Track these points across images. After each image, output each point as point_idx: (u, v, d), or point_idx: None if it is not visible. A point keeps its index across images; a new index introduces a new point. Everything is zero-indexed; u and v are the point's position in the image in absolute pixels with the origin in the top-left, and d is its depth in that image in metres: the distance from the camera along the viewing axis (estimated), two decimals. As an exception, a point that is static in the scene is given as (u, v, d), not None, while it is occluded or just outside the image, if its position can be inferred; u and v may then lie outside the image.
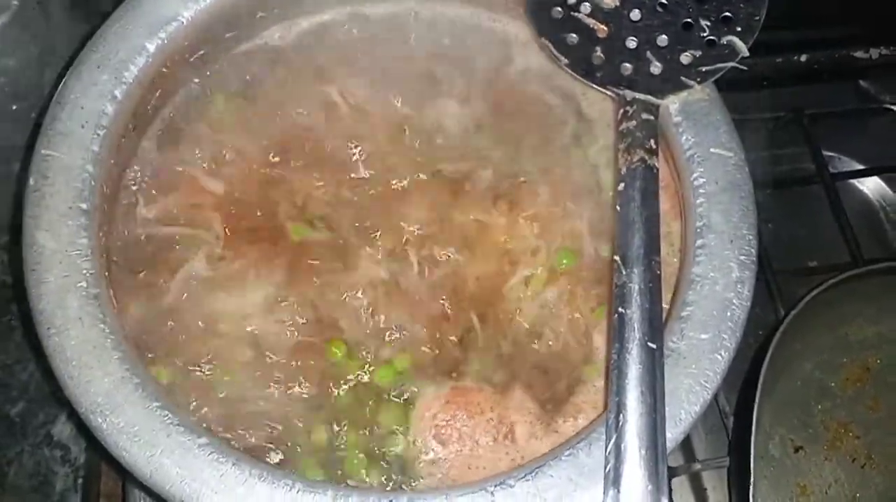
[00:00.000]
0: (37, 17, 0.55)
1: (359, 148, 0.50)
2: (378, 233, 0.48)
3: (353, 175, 0.50)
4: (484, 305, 0.47)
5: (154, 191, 0.48)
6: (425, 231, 0.48)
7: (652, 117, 0.45)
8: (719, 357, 0.39)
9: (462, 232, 0.49)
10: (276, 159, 0.50)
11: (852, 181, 0.71)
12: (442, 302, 0.47)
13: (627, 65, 0.47)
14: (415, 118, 0.51)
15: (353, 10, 0.54)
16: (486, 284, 0.47)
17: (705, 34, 0.47)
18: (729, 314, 0.40)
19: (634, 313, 0.39)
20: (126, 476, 0.54)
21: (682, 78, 0.46)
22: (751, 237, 0.42)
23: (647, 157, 0.43)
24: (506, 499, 0.37)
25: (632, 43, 0.47)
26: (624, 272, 0.40)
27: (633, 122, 0.44)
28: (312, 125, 0.51)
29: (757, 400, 0.50)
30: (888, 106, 0.72)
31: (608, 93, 0.47)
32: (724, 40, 0.46)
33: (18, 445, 0.58)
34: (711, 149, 0.44)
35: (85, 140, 0.43)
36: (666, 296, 0.43)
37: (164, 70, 0.48)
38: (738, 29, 0.46)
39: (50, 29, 0.57)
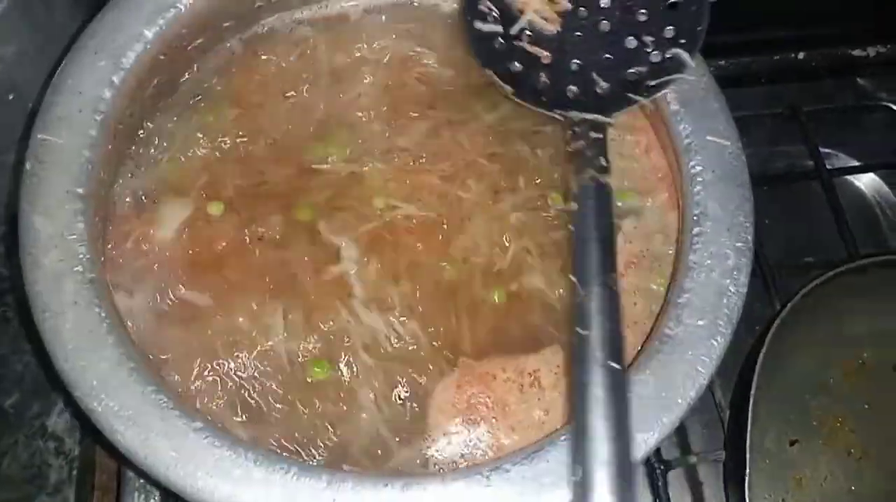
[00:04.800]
0: (36, 5, 0.55)
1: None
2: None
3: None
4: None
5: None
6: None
7: (600, 135, 0.44)
8: (715, 343, 0.39)
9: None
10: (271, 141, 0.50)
11: (848, 177, 0.71)
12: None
13: (573, 87, 0.46)
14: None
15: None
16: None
17: (650, 49, 0.46)
18: (725, 301, 0.40)
19: (594, 333, 0.37)
20: (122, 462, 0.54)
21: (629, 94, 0.46)
22: (747, 225, 0.42)
23: (598, 175, 0.42)
24: (502, 484, 0.37)
25: (576, 65, 0.47)
26: (581, 292, 0.39)
27: (582, 142, 0.44)
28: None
29: (752, 393, 0.50)
30: (885, 103, 0.72)
31: (556, 116, 0.46)
32: (669, 53, 0.46)
33: (12, 436, 0.58)
34: (708, 138, 0.44)
35: (83, 125, 0.43)
36: (662, 282, 0.44)
37: (162, 58, 0.48)
38: (682, 41, 0.46)
39: (49, 17, 0.56)
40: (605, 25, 0.47)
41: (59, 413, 0.59)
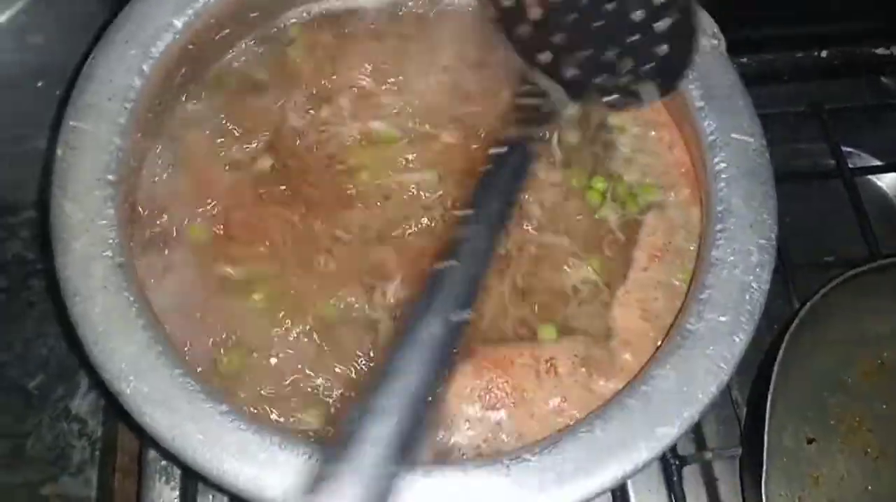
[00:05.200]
0: (65, -5, 0.56)
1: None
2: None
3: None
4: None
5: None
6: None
7: (554, 108, 0.44)
8: (737, 339, 0.40)
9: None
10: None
11: (870, 177, 0.71)
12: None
13: (544, 55, 0.46)
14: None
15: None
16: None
17: (624, 69, 0.45)
18: (748, 297, 0.40)
19: (460, 267, 0.36)
20: (149, 443, 0.55)
21: (592, 93, 0.45)
22: (770, 222, 0.42)
23: (534, 137, 0.42)
24: (522, 473, 0.37)
25: (557, 39, 0.46)
26: (470, 229, 0.38)
27: (537, 101, 0.43)
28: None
29: (771, 390, 0.51)
30: (908, 102, 0.72)
31: (523, 62, 0.46)
32: (638, 84, 0.45)
33: (37, 418, 0.59)
34: (733, 135, 0.44)
35: (112, 113, 0.44)
36: (684, 277, 0.44)
37: (191, 47, 0.48)
38: (657, 80, 0.45)
39: (77, 8, 0.57)
40: (596, 26, 0.46)
41: (82, 395, 0.60)
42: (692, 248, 0.47)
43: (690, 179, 0.48)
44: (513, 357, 0.44)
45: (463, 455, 0.42)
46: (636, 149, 0.50)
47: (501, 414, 0.43)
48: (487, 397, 0.43)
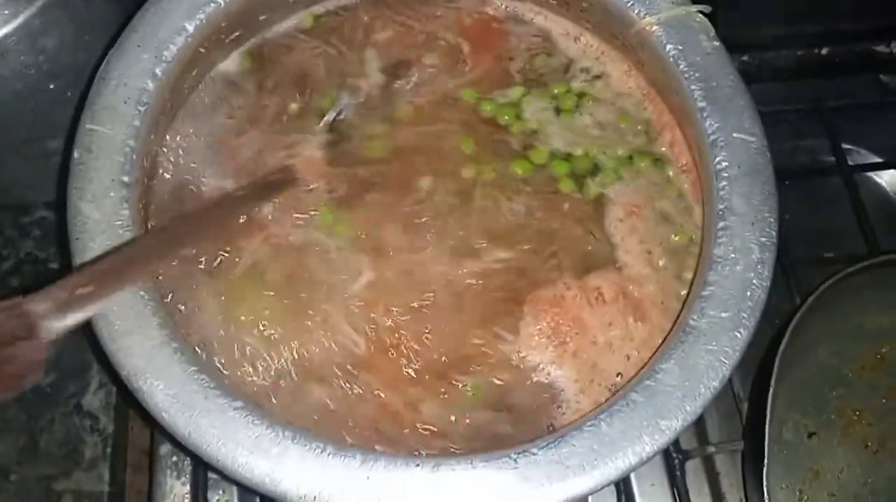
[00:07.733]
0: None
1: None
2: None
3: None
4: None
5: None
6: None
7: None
8: (738, 335, 0.40)
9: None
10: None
11: (870, 173, 0.72)
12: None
13: None
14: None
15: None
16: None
17: None
18: (749, 294, 0.41)
19: None
20: (157, 438, 0.56)
21: None
22: (772, 220, 0.43)
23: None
24: (528, 466, 0.38)
25: None
26: None
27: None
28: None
29: (772, 384, 0.51)
30: (908, 100, 0.72)
31: None
32: None
33: (49, 414, 0.60)
34: (734, 134, 0.45)
35: (127, 116, 0.45)
36: (687, 277, 0.45)
37: (202, 50, 0.49)
38: None
39: (88, 10, 0.58)
40: None
41: (93, 392, 0.61)
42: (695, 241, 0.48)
43: (692, 178, 0.48)
44: (563, 293, 0.47)
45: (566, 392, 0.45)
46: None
47: (572, 347, 0.46)
48: (555, 336, 0.46)
